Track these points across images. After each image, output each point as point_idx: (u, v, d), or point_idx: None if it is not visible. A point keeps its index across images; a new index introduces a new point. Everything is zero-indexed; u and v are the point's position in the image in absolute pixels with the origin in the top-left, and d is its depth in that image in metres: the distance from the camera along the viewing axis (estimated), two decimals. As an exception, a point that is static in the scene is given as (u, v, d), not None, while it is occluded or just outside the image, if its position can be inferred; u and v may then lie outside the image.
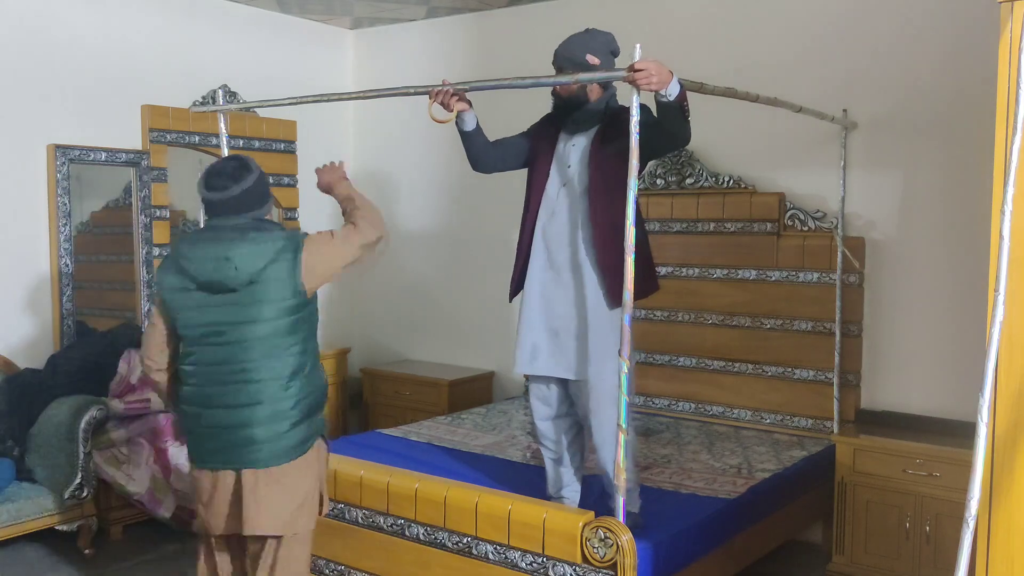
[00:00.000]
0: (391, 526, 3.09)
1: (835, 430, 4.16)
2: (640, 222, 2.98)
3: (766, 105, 3.36)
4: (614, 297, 2.91)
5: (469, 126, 3.18)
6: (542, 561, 2.74)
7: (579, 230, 2.99)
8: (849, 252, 4.16)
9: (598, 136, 3.02)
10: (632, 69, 2.51)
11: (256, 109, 5.18)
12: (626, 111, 2.69)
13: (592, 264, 2.97)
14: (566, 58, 3.00)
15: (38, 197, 4.52)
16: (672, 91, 2.64)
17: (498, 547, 2.84)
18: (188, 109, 5.03)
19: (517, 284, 3.16)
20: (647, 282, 3.01)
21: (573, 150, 3.07)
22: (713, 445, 4.14)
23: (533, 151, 3.19)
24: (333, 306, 6.10)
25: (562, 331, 3.02)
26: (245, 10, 5.41)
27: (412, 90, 3.07)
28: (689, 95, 2.95)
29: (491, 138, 3.28)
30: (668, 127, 2.81)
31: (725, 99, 3.10)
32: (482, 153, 3.23)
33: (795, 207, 4.38)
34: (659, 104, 2.71)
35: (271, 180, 5.36)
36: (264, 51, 5.53)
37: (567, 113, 3.07)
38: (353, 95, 3.44)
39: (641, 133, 2.59)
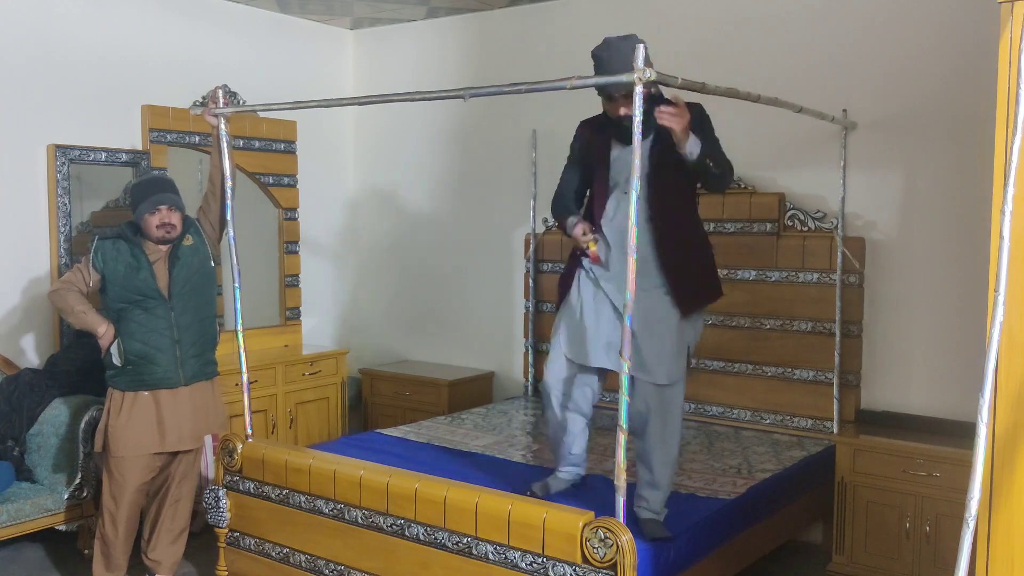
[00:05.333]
0: (391, 526, 3.09)
1: (835, 430, 4.17)
2: (700, 226, 3.25)
3: (766, 105, 3.36)
4: (681, 302, 3.06)
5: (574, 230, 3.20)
6: (542, 561, 2.74)
7: (642, 235, 2.99)
8: (849, 252, 4.17)
9: (656, 139, 3.01)
10: (664, 102, 2.83)
11: (256, 111, 5.18)
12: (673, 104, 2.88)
13: (658, 267, 3.06)
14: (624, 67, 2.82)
15: (38, 197, 4.52)
16: (693, 150, 2.86)
17: (498, 547, 2.84)
18: (188, 109, 5.03)
19: (565, 289, 3.28)
20: (712, 290, 3.21)
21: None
22: (713, 445, 4.14)
23: (589, 166, 3.24)
24: (332, 307, 6.10)
25: (639, 333, 3.01)
26: (245, 10, 5.41)
27: (419, 96, 3.04)
28: (690, 94, 2.95)
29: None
30: (703, 177, 3.04)
31: (725, 99, 3.09)
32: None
33: (795, 207, 4.38)
34: (687, 161, 2.93)
35: (271, 180, 5.42)
36: (264, 51, 5.53)
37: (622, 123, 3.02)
38: (355, 100, 3.38)
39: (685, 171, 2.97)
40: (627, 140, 2.93)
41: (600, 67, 2.93)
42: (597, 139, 3.18)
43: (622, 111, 2.97)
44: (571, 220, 3.20)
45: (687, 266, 3.09)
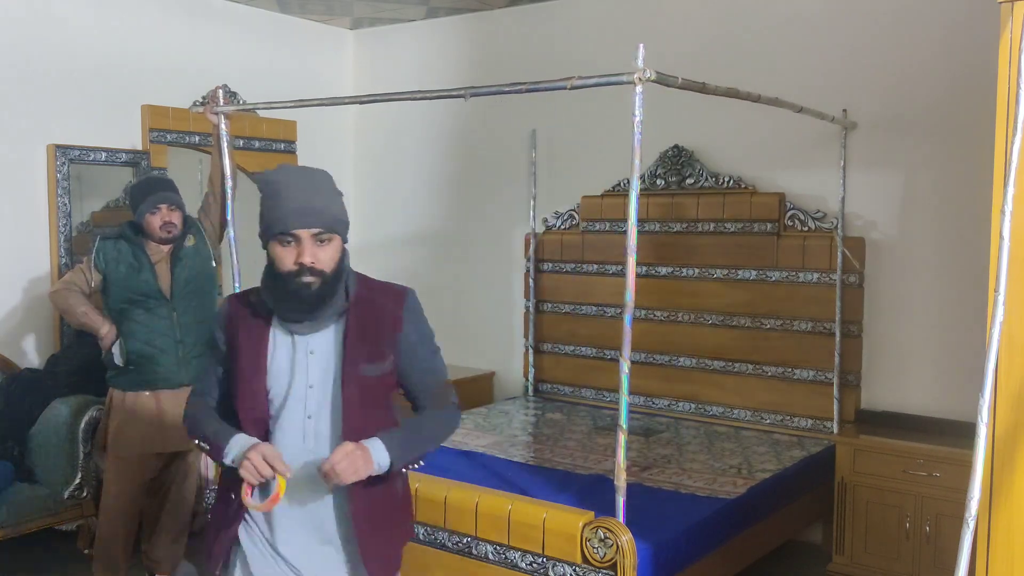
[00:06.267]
0: (391, 526, 3.09)
1: (835, 430, 4.16)
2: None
3: (766, 105, 3.36)
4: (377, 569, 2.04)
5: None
6: (542, 561, 2.74)
7: (330, 487, 1.97)
8: (849, 252, 4.17)
9: (348, 334, 2.02)
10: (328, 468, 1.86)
11: (256, 109, 5.18)
12: (369, 288, 2.10)
13: (346, 543, 2.03)
14: (335, 219, 2.08)
15: (38, 197, 4.52)
16: (383, 464, 1.94)
17: (498, 547, 2.84)
18: (188, 109, 5.03)
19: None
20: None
21: (313, 360, 2.01)
22: (713, 445, 4.14)
23: (230, 360, 2.08)
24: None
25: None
26: (245, 10, 5.41)
27: (420, 95, 3.05)
28: (691, 94, 2.95)
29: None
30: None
31: (725, 99, 3.10)
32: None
33: (795, 207, 4.38)
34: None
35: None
36: (264, 51, 5.53)
37: (307, 306, 1.97)
38: (355, 99, 3.41)
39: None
40: (309, 328, 2.00)
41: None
42: (250, 327, 2.04)
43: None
44: (235, 442, 1.95)
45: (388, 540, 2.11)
